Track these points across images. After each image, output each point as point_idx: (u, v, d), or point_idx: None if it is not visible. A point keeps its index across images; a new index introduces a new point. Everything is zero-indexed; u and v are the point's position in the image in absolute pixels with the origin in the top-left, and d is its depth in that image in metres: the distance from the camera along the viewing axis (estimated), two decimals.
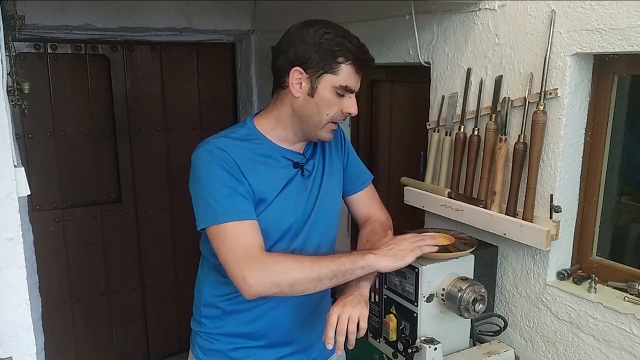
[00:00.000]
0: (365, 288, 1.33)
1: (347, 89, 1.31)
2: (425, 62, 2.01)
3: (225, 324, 1.45)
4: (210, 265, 1.47)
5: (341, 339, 1.24)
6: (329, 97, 1.31)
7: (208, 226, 1.29)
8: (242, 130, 1.40)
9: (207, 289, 1.48)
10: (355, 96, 1.38)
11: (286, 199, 1.38)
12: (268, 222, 1.35)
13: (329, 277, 1.25)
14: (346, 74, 1.30)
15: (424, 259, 1.59)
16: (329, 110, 1.32)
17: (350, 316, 1.25)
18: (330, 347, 1.25)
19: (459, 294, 1.54)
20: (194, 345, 1.53)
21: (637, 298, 1.47)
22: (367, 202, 1.60)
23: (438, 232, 1.75)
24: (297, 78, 1.31)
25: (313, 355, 1.54)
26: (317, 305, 1.48)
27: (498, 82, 1.72)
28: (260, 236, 1.30)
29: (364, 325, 1.26)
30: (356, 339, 1.27)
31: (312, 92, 1.31)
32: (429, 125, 2.03)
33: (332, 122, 1.35)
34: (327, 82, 1.30)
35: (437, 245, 1.44)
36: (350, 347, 1.26)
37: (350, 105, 1.33)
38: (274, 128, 1.40)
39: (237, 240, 1.27)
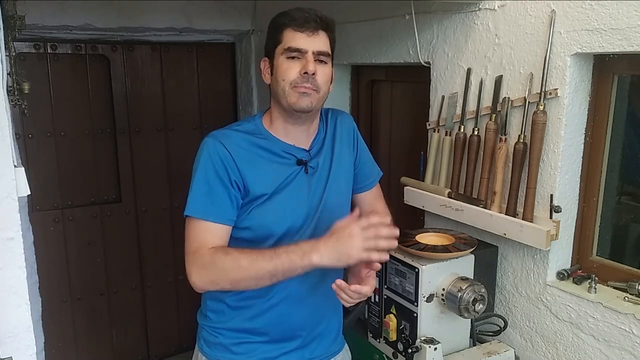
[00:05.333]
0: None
1: (292, 49, 1.32)
2: (425, 62, 2.01)
3: (230, 318, 1.46)
4: None
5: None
6: (282, 64, 1.34)
7: (184, 214, 1.35)
8: (248, 125, 1.44)
9: None
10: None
11: (286, 195, 1.38)
12: (268, 218, 1.37)
13: (267, 277, 1.25)
14: (288, 37, 1.33)
15: (424, 259, 1.59)
16: (284, 76, 1.33)
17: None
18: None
19: (459, 294, 1.54)
20: (200, 338, 1.54)
21: (637, 298, 1.47)
22: (372, 200, 1.61)
23: (438, 232, 1.76)
24: (265, 68, 1.40)
25: (317, 353, 1.54)
26: (322, 302, 1.48)
27: (498, 82, 1.72)
28: (219, 241, 1.34)
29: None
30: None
31: (272, 70, 1.38)
32: (429, 125, 2.03)
33: (296, 86, 1.33)
34: (278, 53, 1.35)
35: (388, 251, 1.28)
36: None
37: (305, 64, 1.32)
38: (273, 122, 1.43)
39: (195, 235, 1.33)
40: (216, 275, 1.29)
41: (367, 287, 1.28)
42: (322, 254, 1.20)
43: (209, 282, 1.31)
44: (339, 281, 1.27)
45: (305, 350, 1.51)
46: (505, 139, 1.67)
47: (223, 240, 1.35)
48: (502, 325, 1.77)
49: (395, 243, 1.25)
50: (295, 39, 1.32)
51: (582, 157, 1.61)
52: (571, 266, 1.67)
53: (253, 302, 1.43)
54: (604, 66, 1.54)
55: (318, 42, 1.33)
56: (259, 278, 1.26)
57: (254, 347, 1.47)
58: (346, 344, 1.66)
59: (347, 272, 1.39)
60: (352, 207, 1.64)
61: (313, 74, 1.31)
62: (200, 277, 1.29)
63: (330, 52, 1.36)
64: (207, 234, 1.32)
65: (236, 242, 1.38)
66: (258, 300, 1.42)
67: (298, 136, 1.43)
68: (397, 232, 1.26)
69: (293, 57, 1.32)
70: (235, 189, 1.34)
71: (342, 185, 1.51)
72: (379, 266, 1.32)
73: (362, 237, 1.20)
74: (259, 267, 1.24)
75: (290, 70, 1.32)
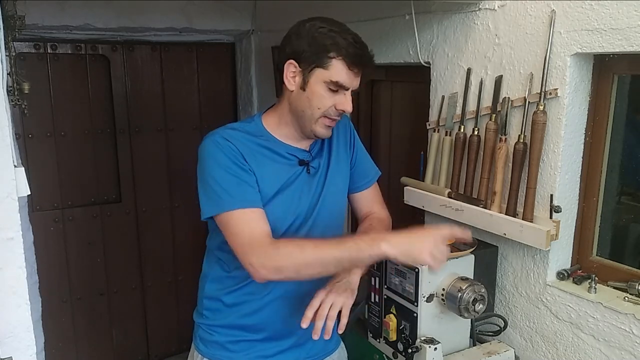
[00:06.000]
0: (355, 275, 1.35)
1: (338, 85, 1.29)
2: (425, 62, 2.01)
3: (226, 316, 1.47)
4: (214, 259, 1.49)
5: (319, 324, 1.25)
6: (320, 91, 1.30)
7: (215, 214, 1.31)
8: (249, 126, 1.42)
9: (210, 283, 1.50)
10: (355, 95, 1.37)
11: (288, 195, 1.39)
12: (268, 218, 1.36)
13: (333, 263, 1.22)
14: (337, 69, 1.29)
15: None
16: (320, 105, 1.31)
17: (333, 303, 1.27)
18: (305, 326, 1.26)
19: (459, 294, 1.54)
20: (196, 337, 1.55)
21: (637, 298, 1.47)
22: (369, 200, 1.61)
23: None
24: (291, 72, 1.33)
25: (313, 352, 1.54)
26: None
27: (498, 82, 1.72)
28: (266, 224, 1.30)
29: (345, 313, 1.27)
30: (347, 328, 1.29)
31: (304, 86, 1.32)
32: (429, 125, 2.03)
33: (327, 117, 1.33)
34: (319, 77, 1.30)
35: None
36: (327, 337, 1.28)
37: (344, 102, 1.31)
38: (279, 125, 1.42)
39: (243, 227, 1.28)
40: (280, 261, 1.24)
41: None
42: (392, 243, 1.18)
43: (274, 270, 1.25)
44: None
45: (301, 349, 1.52)
46: (505, 139, 1.67)
47: (267, 223, 1.31)
48: (502, 325, 1.77)
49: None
50: (345, 75, 1.29)
51: (582, 157, 1.61)
52: (571, 266, 1.67)
53: (248, 299, 1.43)
54: (604, 66, 1.54)
55: (359, 80, 1.33)
56: (325, 264, 1.22)
57: (250, 345, 1.47)
58: (342, 342, 1.66)
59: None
60: (352, 206, 1.65)
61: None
62: (263, 265, 1.24)
63: None
64: (253, 222, 1.29)
65: None
66: (254, 296, 1.42)
67: (301, 141, 1.43)
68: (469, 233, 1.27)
69: (335, 90, 1.30)
70: (254, 176, 1.33)
71: (339, 185, 1.51)
72: None
73: (435, 242, 1.19)
74: (325, 253, 1.22)
75: (327, 101, 1.31)
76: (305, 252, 1.23)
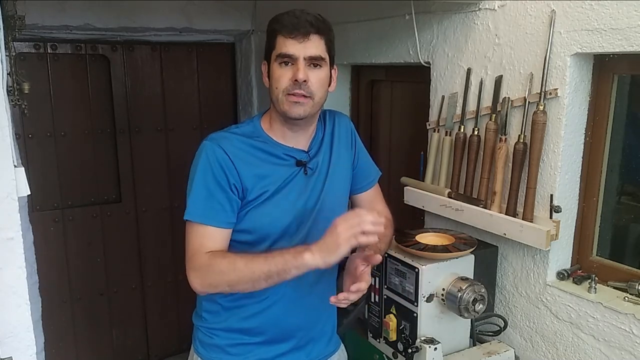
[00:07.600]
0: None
1: (283, 55, 1.31)
2: (425, 62, 2.01)
3: (225, 319, 1.46)
4: None
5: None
6: (276, 71, 1.34)
7: (184, 218, 1.36)
8: (247, 128, 1.44)
9: None
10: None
11: (285, 196, 1.39)
12: (265, 219, 1.37)
13: (263, 278, 1.25)
14: (280, 43, 1.32)
15: (424, 259, 1.59)
16: (277, 83, 1.33)
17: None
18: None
19: (459, 294, 1.55)
20: (195, 339, 1.54)
21: (637, 298, 1.47)
22: (372, 200, 1.61)
23: (438, 232, 1.76)
24: (265, 71, 1.39)
25: (313, 355, 1.54)
26: (317, 304, 1.49)
27: (498, 82, 1.72)
28: (218, 243, 1.34)
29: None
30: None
31: (269, 75, 1.37)
32: (429, 125, 2.03)
33: (290, 94, 1.32)
34: (273, 59, 1.34)
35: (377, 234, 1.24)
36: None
37: (295, 71, 1.31)
38: (272, 124, 1.43)
39: (194, 240, 1.34)
40: (213, 278, 1.30)
41: (364, 283, 1.28)
42: (313, 251, 1.21)
43: (208, 285, 1.32)
44: (340, 295, 1.28)
45: (301, 352, 1.51)
46: (505, 139, 1.67)
47: (222, 243, 1.35)
48: (502, 325, 1.77)
49: (381, 228, 1.23)
50: (286, 45, 1.31)
51: (582, 157, 1.61)
52: (571, 266, 1.67)
53: (246, 302, 1.43)
54: (604, 66, 1.54)
55: (309, 47, 1.31)
56: (255, 280, 1.26)
57: (249, 348, 1.47)
58: (342, 344, 1.66)
59: (341, 274, 1.39)
60: (354, 206, 1.65)
61: (304, 81, 1.30)
62: (199, 280, 1.31)
63: (324, 56, 1.34)
64: (206, 238, 1.33)
65: (233, 244, 1.38)
66: (251, 300, 1.42)
67: (296, 139, 1.43)
68: (382, 219, 1.24)
69: (286, 64, 1.32)
70: (234, 192, 1.34)
71: (340, 186, 1.51)
72: (378, 258, 1.32)
73: (346, 225, 1.20)
74: (254, 269, 1.26)
75: (282, 78, 1.32)
76: (236, 269, 1.27)
